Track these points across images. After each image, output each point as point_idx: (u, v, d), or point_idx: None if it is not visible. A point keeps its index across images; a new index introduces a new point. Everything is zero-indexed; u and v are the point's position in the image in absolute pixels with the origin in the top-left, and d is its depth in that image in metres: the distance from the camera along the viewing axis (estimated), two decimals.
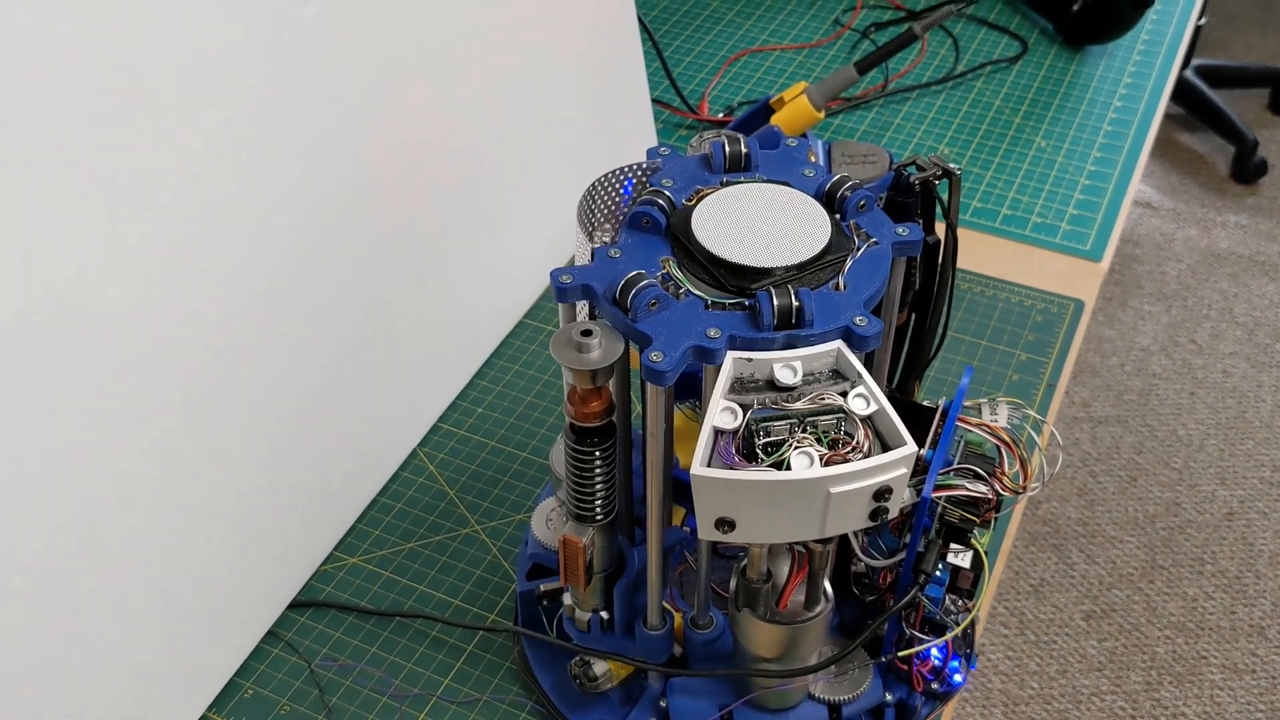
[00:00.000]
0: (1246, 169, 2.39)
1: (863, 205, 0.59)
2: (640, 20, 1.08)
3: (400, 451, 0.86)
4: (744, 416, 0.52)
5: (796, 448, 0.52)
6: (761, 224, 0.57)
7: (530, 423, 0.88)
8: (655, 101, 1.16)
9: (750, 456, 0.52)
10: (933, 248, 0.66)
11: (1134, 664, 1.59)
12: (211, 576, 0.71)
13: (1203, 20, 2.46)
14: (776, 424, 0.52)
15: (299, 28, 0.69)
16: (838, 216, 0.59)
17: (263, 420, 0.72)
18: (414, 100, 0.79)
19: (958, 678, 0.66)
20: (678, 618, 0.66)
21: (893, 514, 0.54)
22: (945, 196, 0.64)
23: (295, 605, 0.76)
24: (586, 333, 0.54)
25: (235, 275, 0.68)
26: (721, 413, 0.52)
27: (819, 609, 0.60)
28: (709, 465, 0.52)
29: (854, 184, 0.59)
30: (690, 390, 0.66)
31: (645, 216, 0.58)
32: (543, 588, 0.70)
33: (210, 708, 0.71)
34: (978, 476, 0.59)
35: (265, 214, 0.69)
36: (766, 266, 0.55)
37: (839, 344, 0.54)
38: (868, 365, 0.64)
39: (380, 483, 0.84)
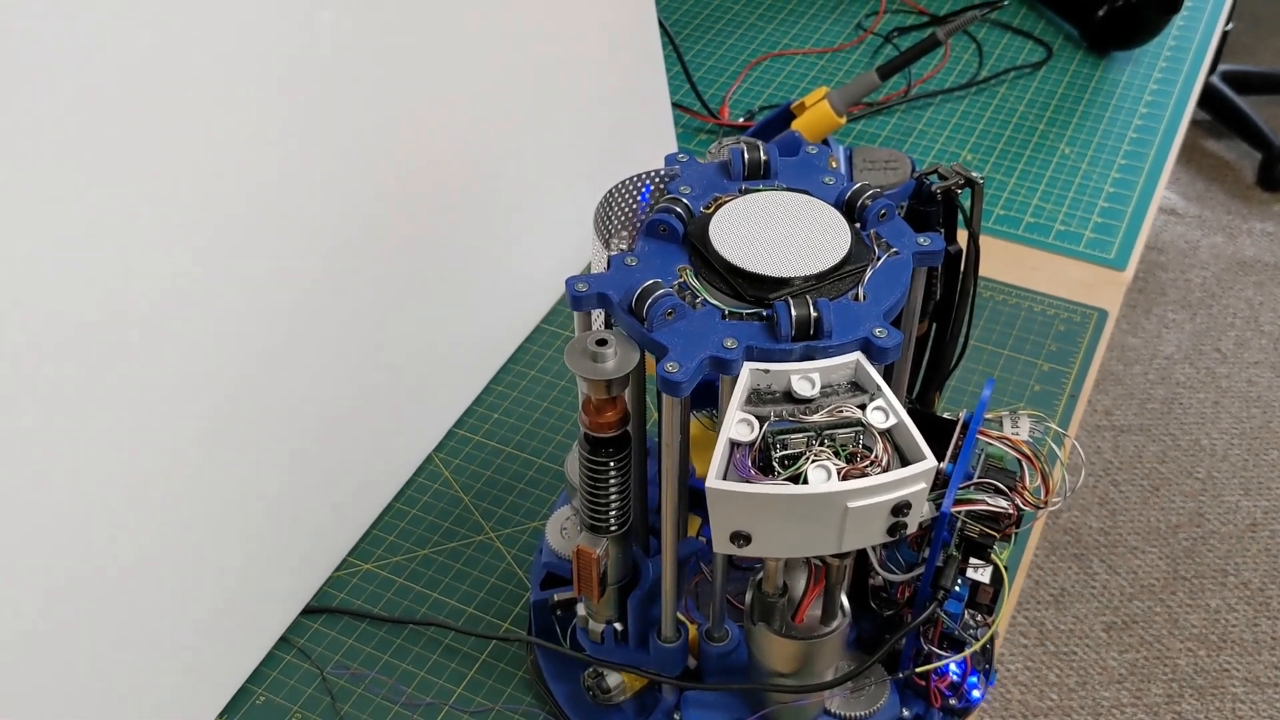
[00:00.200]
0: (1273, 176, 2.36)
1: (883, 214, 0.58)
2: (661, 24, 1.08)
3: (415, 457, 0.85)
4: (760, 429, 0.51)
5: (814, 461, 0.51)
6: (780, 233, 0.57)
7: (546, 429, 0.87)
8: (675, 106, 1.15)
9: (767, 469, 0.51)
10: (954, 257, 0.65)
11: (1155, 676, 1.58)
12: (226, 582, 0.71)
13: (1229, 25, 2.44)
14: (793, 437, 0.52)
15: (316, 35, 0.68)
16: (858, 225, 0.58)
17: (279, 426, 0.72)
18: (433, 105, 0.79)
19: (976, 693, 0.65)
20: (692, 630, 0.66)
21: (911, 529, 0.53)
22: (967, 205, 0.63)
23: (309, 611, 0.76)
24: (601, 342, 0.54)
25: (253, 283, 0.68)
26: (738, 425, 0.52)
27: (835, 624, 0.59)
28: (724, 478, 0.51)
29: (874, 192, 0.59)
30: (707, 398, 0.65)
31: (662, 224, 0.58)
32: (556, 597, 0.69)
33: (222, 714, 0.71)
34: (998, 491, 0.58)
35: (285, 218, 0.69)
36: (785, 276, 0.55)
37: (858, 356, 0.53)
38: (887, 377, 0.63)
39: (395, 488, 0.83)
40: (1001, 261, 1.01)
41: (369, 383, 0.79)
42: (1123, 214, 1.06)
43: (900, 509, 0.51)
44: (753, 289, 0.55)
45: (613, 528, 0.59)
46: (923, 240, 0.57)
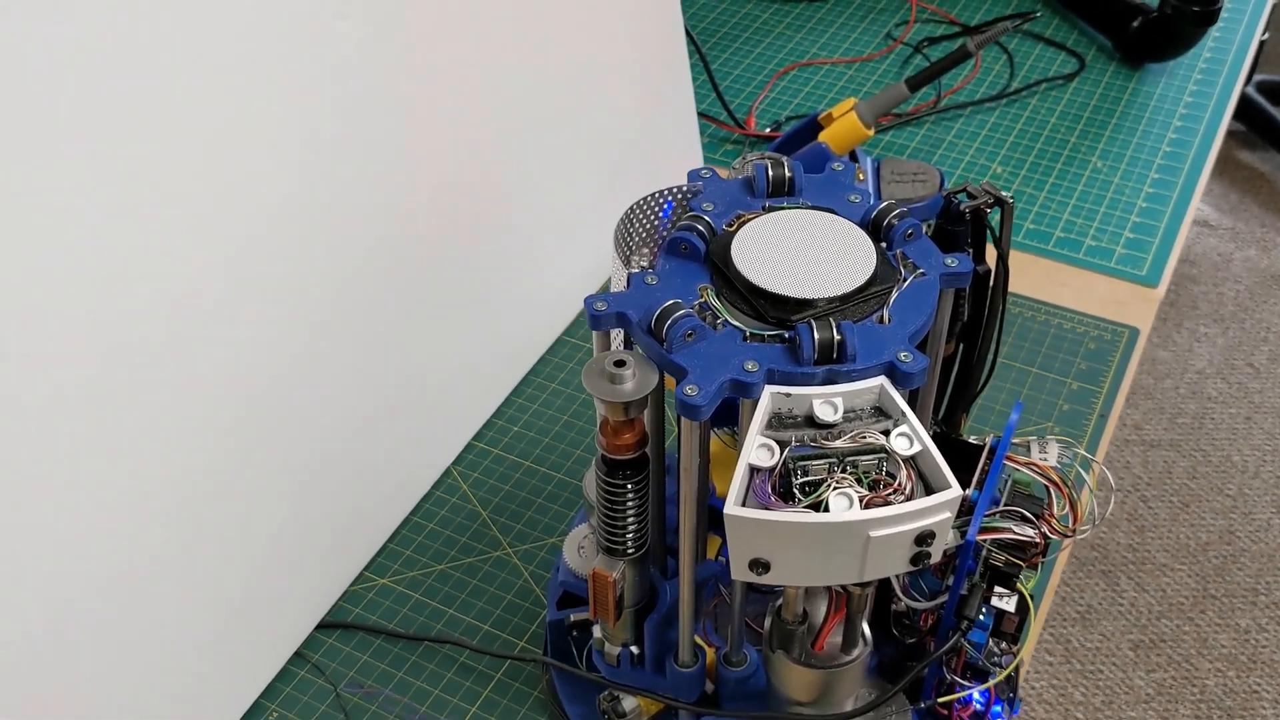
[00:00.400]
0: None
1: (910, 234, 0.57)
2: (688, 33, 1.07)
3: (434, 470, 0.84)
4: (781, 454, 0.50)
5: (835, 488, 0.50)
6: (804, 252, 0.55)
7: (566, 443, 0.86)
8: (701, 115, 1.14)
9: (787, 496, 0.50)
10: (982, 277, 0.63)
11: (1183, 697, 1.55)
12: (241, 595, 0.70)
13: (1265, 35, 2.40)
14: (815, 463, 0.50)
15: (337, 47, 0.68)
16: (884, 245, 0.57)
17: (297, 438, 0.71)
18: (454, 114, 0.78)
19: None
20: (710, 653, 0.64)
21: (935, 558, 0.51)
22: (997, 224, 0.62)
23: (323, 626, 0.75)
24: (620, 363, 0.53)
25: (272, 294, 0.67)
26: (758, 450, 0.50)
27: (856, 652, 0.58)
28: (743, 504, 0.50)
29: (901, 212, 0.57)
30: (729, 415, 0.64)
31: (684, 243, 0.57)
32: (573, 618, 0.68)
33: None
34: (1025, 519, 0.57)
35: (307, 229, 0.68)
36: (808, 297, 0.53)
37: (882, 380, 0.51)
38: (912, 400, 0.61)
39: (413, 501, 0.82)
40: (1031, 277, 0.99)
41: (388, 394, 0.78)
42: (1155, 229, 1.04)
43: (924, 538, 0.50)
44: (775, 310, 0.53)
45: (630, 551, 0.58)
46: (950, 261, 0.56)
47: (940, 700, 0.62)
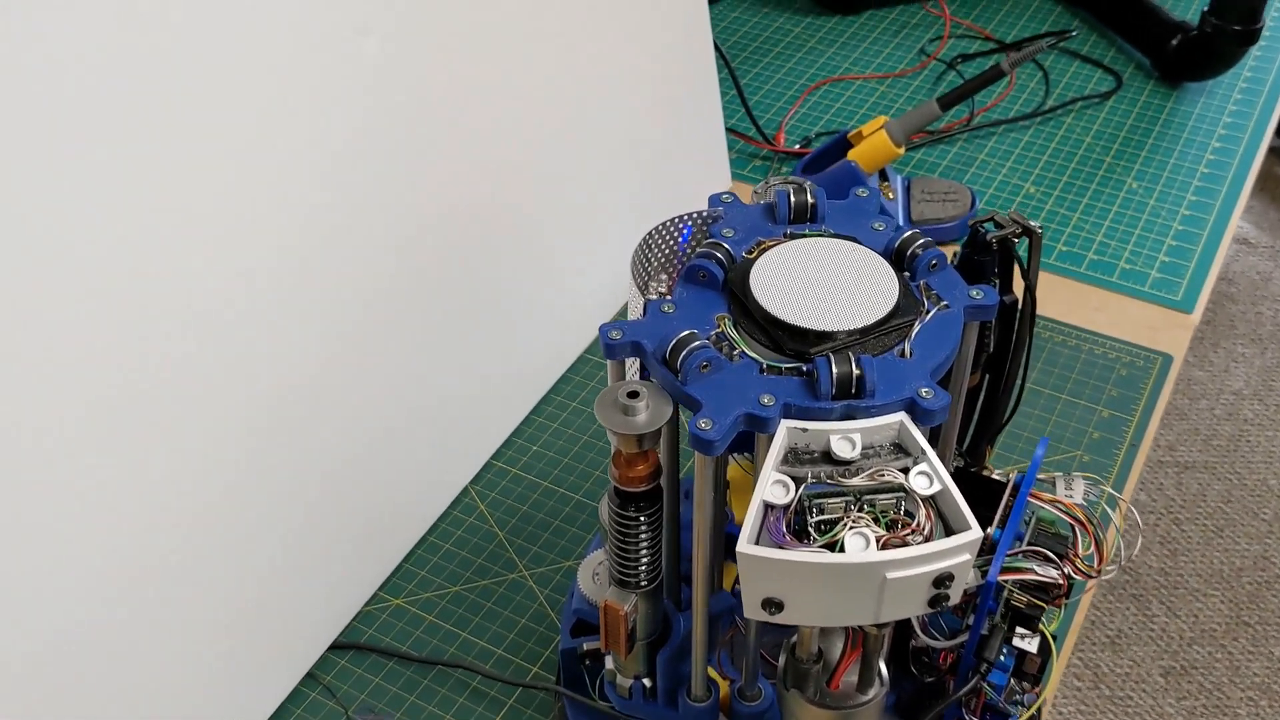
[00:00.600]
0: None
1: (934, 265, 0.56)
2: (717, 47, 1.06)
3: (452, 490, 0.83)
4: (796, 491, 0.49)
5: (851, 527, 0.48)
6: (824, 283, 0.54)
7: (585, 464, 0.85)
8: (730, 131, 1.13)
9: (802, 534, 0.49)
10: (1010, 307, 0.62)
11: None
12: (256, 614, 0.69)
13: None
14: (831, 501, 0.49)
15: (360, 62, 0.67)
16: (907, 275, 0.56)
17: (315, 455, 0.71)
18: (478, 130, 0.77)
19: None
20: (724, 686, 0.63)
21: (954, 600, 0.50)
22: (1025, 254, 0.61)
23: (336, 647, 0.75)
24: (633, 394, 0.51)
25: (292, 310, 0.66)
26: (773, 486, 0.49)
27: (873, 693, 0.57)
28: (757, 542, 0.49)
29: (925, 242, 0.56)
30: (747, 441, 0.62)
31: (702, 270, 0.55)
32: (586, 646, 0.67)
33: None
34: (1048, 559, 0.55)
35: (329, 244, 0.68)
36: (827, 330, 0.52)
37: (902, 417, 0.50)
38: (935, 433, 0.60)
39: (430, 520, 0.82)
40: (1062, 301, 0.97)
41: (407, 412, 0.78)
42: (1191, 253, 1.02)
43: (942, 580, 0.49)
44: (793, 342, 0.52)
45: (643, 583, 0.57)
46: (975, 293, 0.55)
47: None
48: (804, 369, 0.51)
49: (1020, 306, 0.61)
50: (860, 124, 1.04)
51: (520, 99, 0.81)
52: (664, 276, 0.59)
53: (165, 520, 0.62)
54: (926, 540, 0.49)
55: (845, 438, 0.50)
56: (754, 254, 0.57)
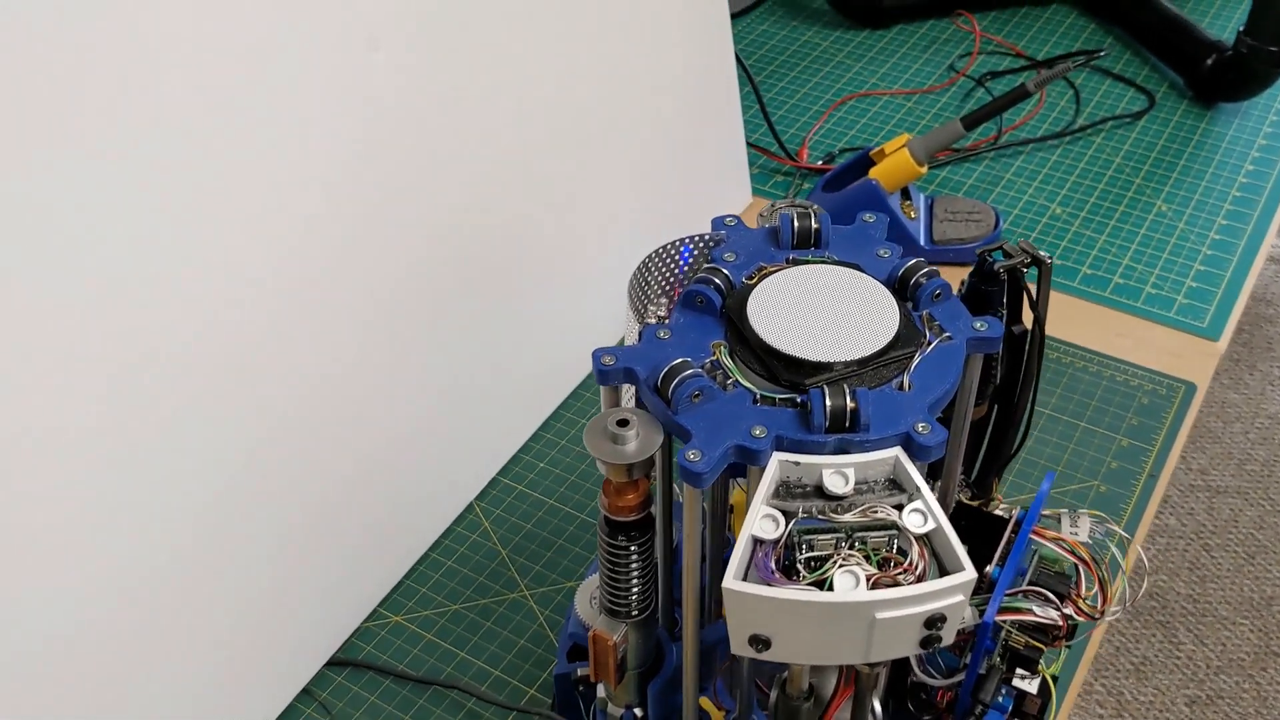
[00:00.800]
0: None
1: (938, 295, 0.54)
2: (739, 61, 1.05)
3: (456, 505, 0.83)
4: (787, 526, 0.48)
5: (841, 565, 0.47)
6: (823, 311, 0.53)
7: (591, 482, 0.84)
8: (752, 146, 1.12)
9: (790, 571, 0.48)
10: (1019, 337, 0.60)
11: None
12: (255, 627, 0.69)
13: None
14: (821, 537, 0.48)
15: (370, 74, 0.66)
16: (909, 305, 0.54)
17: (319, 468, 0.70)
18: (492, 143, 0.77)
19: None
20: (718, 717, 0.62)
21: (947, 641, 0.49)
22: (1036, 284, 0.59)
23: (333, 663, 0.74)
24: (623, 423, 0.50)
25: (298, 320, 0.66)
26: (762, 520, 0.48)
27: None
28: (745, 578, 0.48)
29: (929, 271, 0.55)
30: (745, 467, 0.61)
31: (699, 295, 0.54)
32: (580, 672, 0.66)
33: None
34: (1048, 600, 0.54)
35: (338, 256, 0.67)
36: (824, 360, 0.51)
37: (897, 452, 0.49)
38: (937, 467, 0.59)
39: (433, 537, 0.81)
40: (1085, 325, 0.95)
41: (413, 426, 0.77)
42: (1220, 279, 1.00)
43: (934, 621, 0.47)
44: (789, 372, 0.51)
45: (634, 613, 0.56)
46: (979, 325, 0.53)
47: None
48: (798, 400, 0.50)
49: (1029, 337, 0.60)
50: (885, 140, 1.03)
51: (535, 116, 0.80)
52: (664, 300, 0.58)
53: (165, 528, 0.62)
54: (919, 580, 0.47)
55: (838, 472, 0.49)
56: (754, 280, 0.56)
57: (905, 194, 1.02)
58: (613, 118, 0.88)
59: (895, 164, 0.99)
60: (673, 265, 0.59)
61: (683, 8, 0.93)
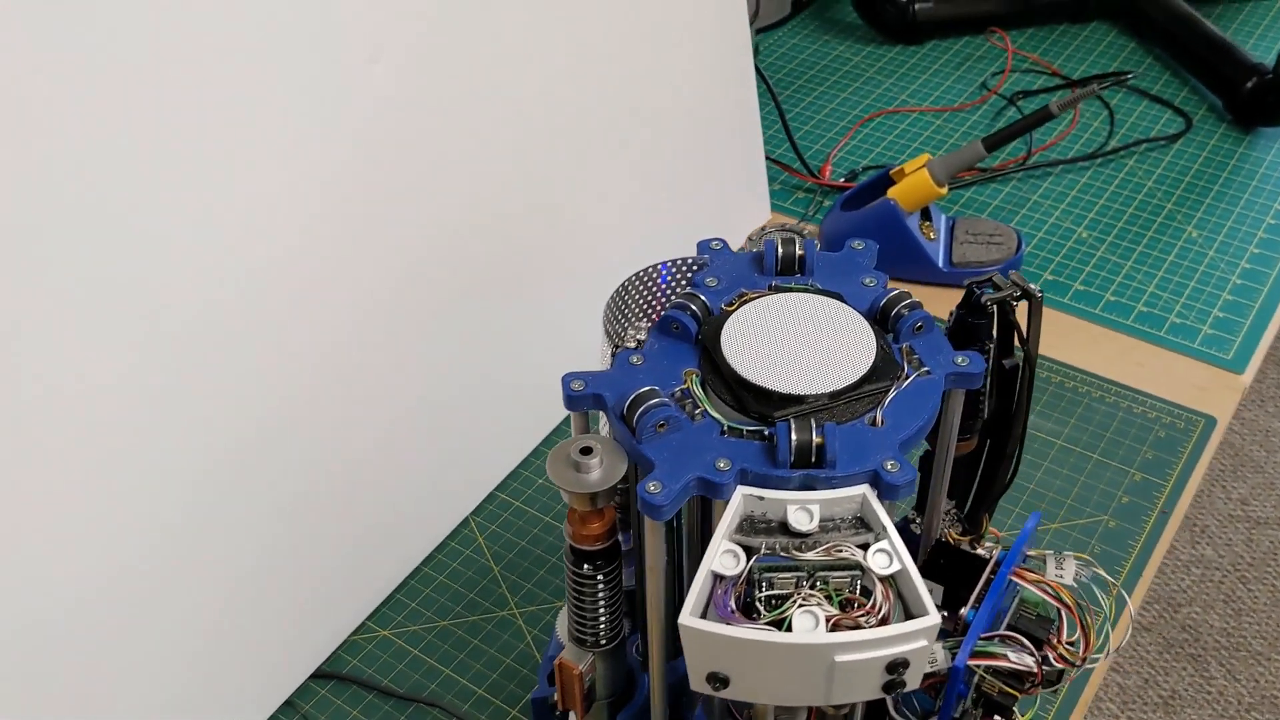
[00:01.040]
0: None
1: (919, 327, 0.53)
2: (761, 76, 1.03)
3: (452, 518, 0.82)
4: (747, 563, 0.47)
5: (801, 605, 0.46)
6: (799, 342, 0.52)
7: None
8: (774, 162, 1.10)
9: (749, 609, 0.46)
10: (1010, 372, 0.59)
11: None
12: (240, 637, 0.69)
13: None
14: (782, 575, 0.47)
15: (371, 86, 0.66)
16: (890, 337, 0.53)
17: (313, 478, 0.70)
18: (501, 155, 0.76)
19: None
20: None
21: (912, 685, 0.47)
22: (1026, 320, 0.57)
23: (318, 676, 0.74)
24: (586, 450, 0.49)
25: (301, 327, 0.66)
26: (723, 555, 0.47)
27: None
28: (703, 615, 0.46)
29: (911, 302, 0.53)
30: None
31: (675, 322, 0.53)
32: (555, 697, 0.65)
33: None
34: (1023, 645, 0.52)
35: (339, 264, 0.67)
36: (795, 393, 0.50)
37: (864, 490, 0.47)
38: (922, 499, 0.57)
39: (427, 549, 0.80)
40: (1104, 353, 0.93)
41: (412, 438, 0.77)
42: (1248, 310, 0.97)
43: (896, 666, 0.46)
44: (758, 404, 0.50)
45: (601, 642, 0.55)
46: (960, 360, 0.52)
47: None
48: (766, 433, 0.49)
49: (1020, 373, 0.58)
50: (913, 157, 1.01)
51: (550, 131, 0.79)
52: (644, 324, 0.57)
53: (151, 531, 0.62)
54: (881, 623, 0.46)
55: (803, 509, 0.47)
56: (733, 306, 0.54)
57: (925, 214, 1.00)
58: (628, 132, 0.87)
59: (914, 184, 0.97)
60: (652, 288, 0.58)
61: (700, 21, 0.92)
